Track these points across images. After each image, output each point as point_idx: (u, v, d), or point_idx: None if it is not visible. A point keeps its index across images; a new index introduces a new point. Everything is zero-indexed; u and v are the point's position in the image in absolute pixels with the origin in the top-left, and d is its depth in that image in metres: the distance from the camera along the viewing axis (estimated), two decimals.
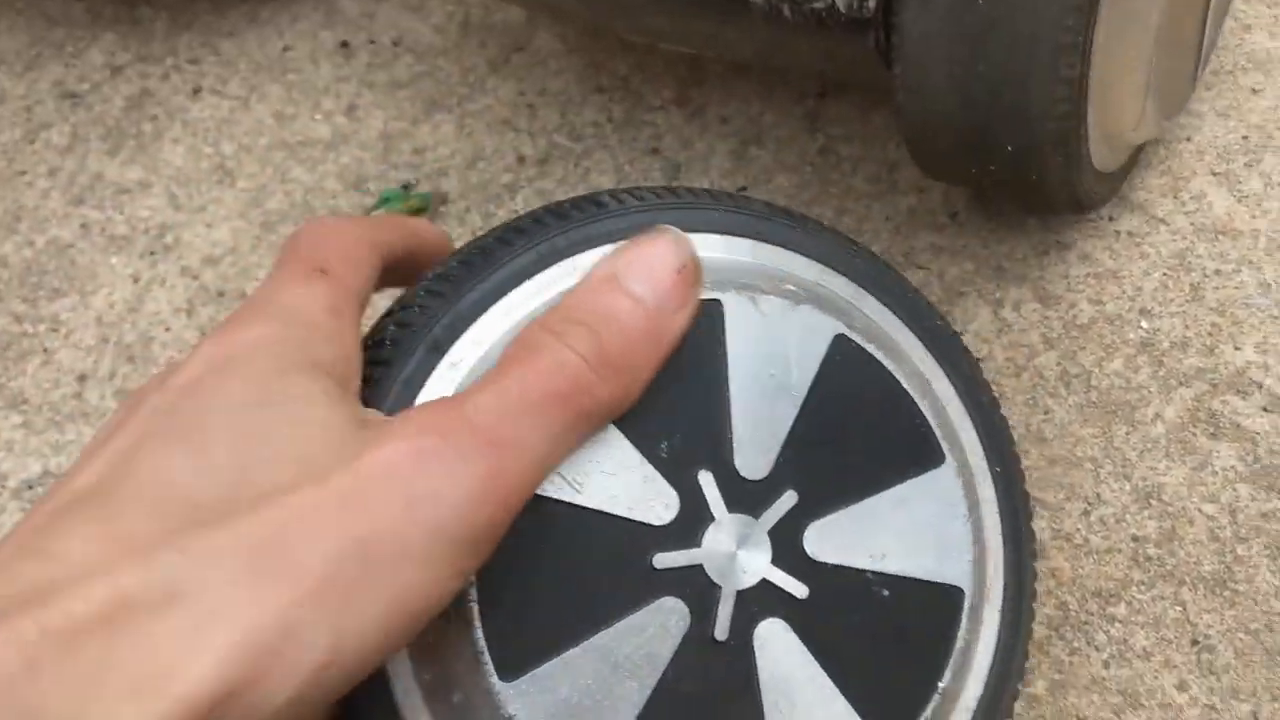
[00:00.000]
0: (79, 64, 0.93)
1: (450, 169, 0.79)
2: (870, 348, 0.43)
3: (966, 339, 0.63)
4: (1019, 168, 0.56)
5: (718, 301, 0.41)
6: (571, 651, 0.37)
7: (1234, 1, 0.72)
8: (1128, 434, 0.58)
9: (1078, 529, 0.56)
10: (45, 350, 0.76)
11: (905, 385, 0.44)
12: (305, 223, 0.41)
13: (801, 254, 0.46)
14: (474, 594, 0.37)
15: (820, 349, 0.42)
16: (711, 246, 0.45)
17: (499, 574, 0.37)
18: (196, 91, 0.89)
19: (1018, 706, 0.51)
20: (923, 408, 0.44)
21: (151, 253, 0.80)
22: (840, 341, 0.43)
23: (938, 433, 0.44)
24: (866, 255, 0.48)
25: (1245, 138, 0.68)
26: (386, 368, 0.40)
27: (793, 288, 0.44)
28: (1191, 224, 0.65)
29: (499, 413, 0.33)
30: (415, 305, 0.41)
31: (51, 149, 0.88)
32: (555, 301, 0.42)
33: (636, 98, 0.80)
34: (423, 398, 0.40)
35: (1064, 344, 0.62)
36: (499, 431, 0.33)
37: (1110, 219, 0.66)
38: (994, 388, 0.58)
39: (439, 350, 0.40)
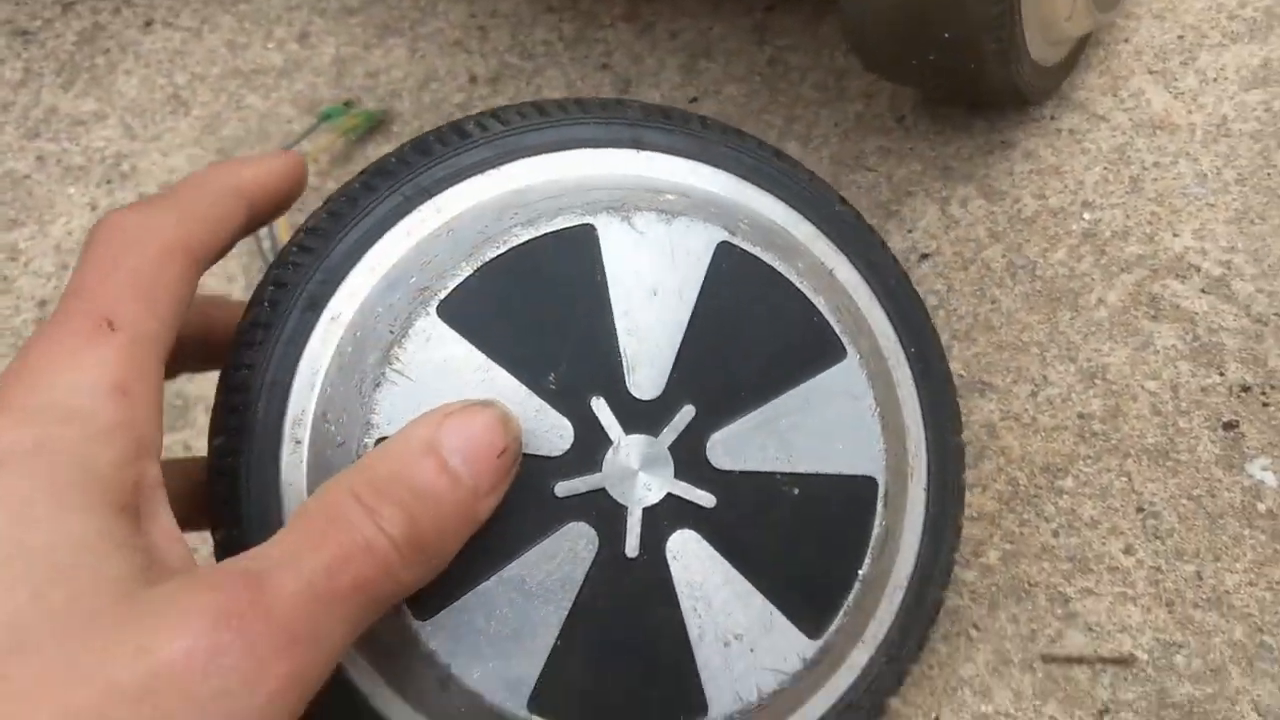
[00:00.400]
0: (30, 2, 0.92)
1: (403, 91, 0.80)
2: (756, 250, 0.43)
3: (915, 235, 0.65)
4: (957, 56, 0.57)
5: (590, 226, 0.41)
6: (484, 585, 0.38)
7: None
8: (1072, 319, 0.60)
9: (1025, 409, 0.58)
10: (4, 278, 0.76)
11: (798, 283, 0.43)
12: (98, 230, 0.35)
13: (682, 157, 0.46)
14: None
15: (703, 260, 0.42)
16: (584, 163, 0.44)
17: None
18: (148, 24, 0.89)
19: (971, 576, 0.53)
20: (819, 304, 0.43)
21: (108, 181, 0.80)
22: (724, 249, 0.42)
23: (837, 327, 0.44)
24: (753, 148, 0.48)
25: (1180, 37, 0.69)
26: (267, 330, 0.40)
27: (671, 197, 0.44)
28: (1130, 120, 0.67)
29: (302, 605, 0.30)
30: (289, 263, 0.41)
31: (4, 85, 0.87)
32: (425, 243, 0.41)
33: (587, 16, 0.81)
34: (306, 356, 0.40)
35: (1009, 237, 0.64)
36: (300, 627, 0.30)
37: (1052, 117, 0.68)
38: (942, 280, 0.60)
39: (316, 307, 0.40)
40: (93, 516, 0.29)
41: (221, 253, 0.38)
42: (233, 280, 0.72)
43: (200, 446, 0.64)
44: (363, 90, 0.80)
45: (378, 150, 0.77)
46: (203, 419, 0.67)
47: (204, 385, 0.68)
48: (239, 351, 0.40)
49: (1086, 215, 0.63)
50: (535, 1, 0.82)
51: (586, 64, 0.78)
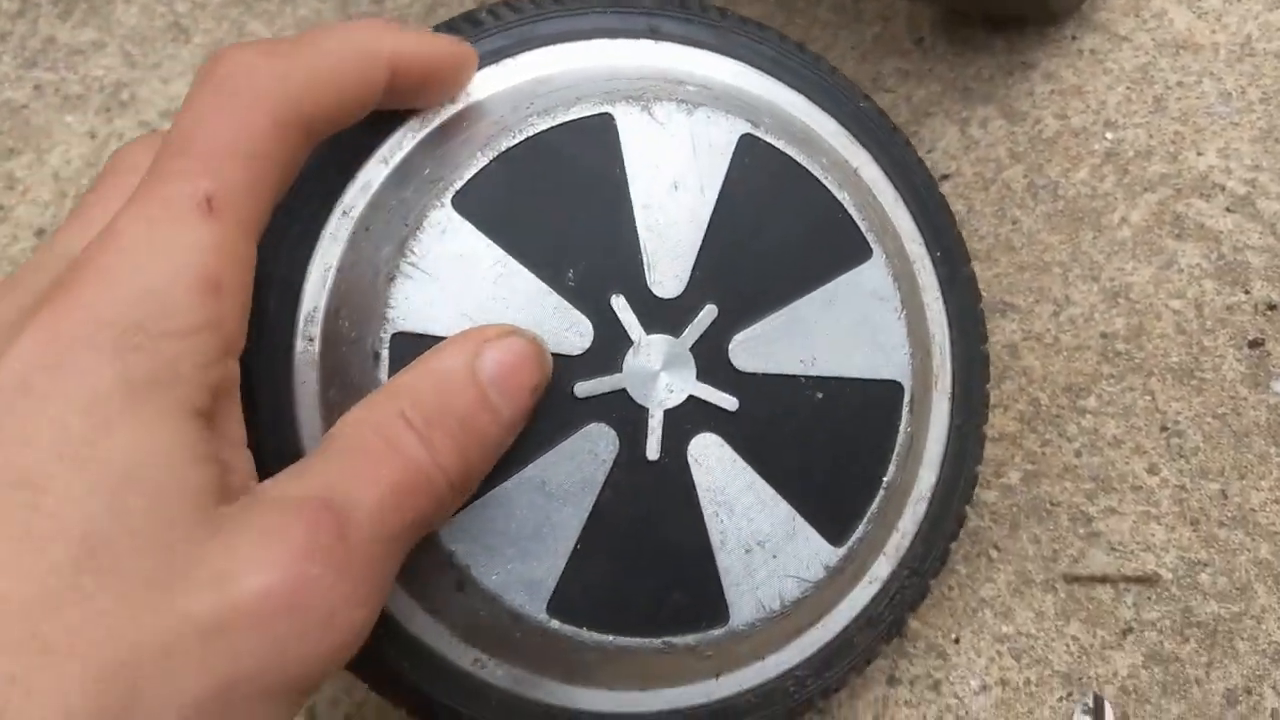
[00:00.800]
0: None
1: (410, 16, 0.78)
2: (780, 143, 0.42)
3: (935, 156, 0.63)
4: None
5: (609, 115, 0.40)
6: (503, 485, 0.38)
7: None
8: (1094, 239, 0.59)
9: (1048, 329, 0.57)
10: (2, 207, 0.75)
11: (823, 179, 0.42)
12: (217, 67, 0.31)
13: (703, 48, 0.44)
14: None
15: (725, 153, 0.41)
16: (600, 53, 0.43)
17: None
18: None
19: (992, 497, 0.52)
20: (843, 200, 0.42)
21: (107, 109, 0.78)
22: (747, 141, 0.41)
23: (862, 225, 0.42)
24: (774, 41, 0.46)
25: None
26: (280, 224, 0.39)
27: (692, 88, 0.42)
28: (1153, 40, 0.65)
29: (379, 544, 0.29)
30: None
31: (1, 15, 0.86)
32: (438, 134, 0.40)
33: None
34: (318, 252, 0.39)
35: (1030, 157, 0.62)
36: (376, 568, 0.29)
37: (1073, 38, 0.66)
38: (963, 201, 0.59)
39: (330, 199, 0.39)
40: (170, 421, 0.27)
41: (339, 128, 0.34)
42: None
43: None
44: (369, 16, 0.78)
45: None
46: None
47: None
48: None
49: (1109, 135, 0.62)
50: None
51: None
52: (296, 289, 0.39)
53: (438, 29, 0.42)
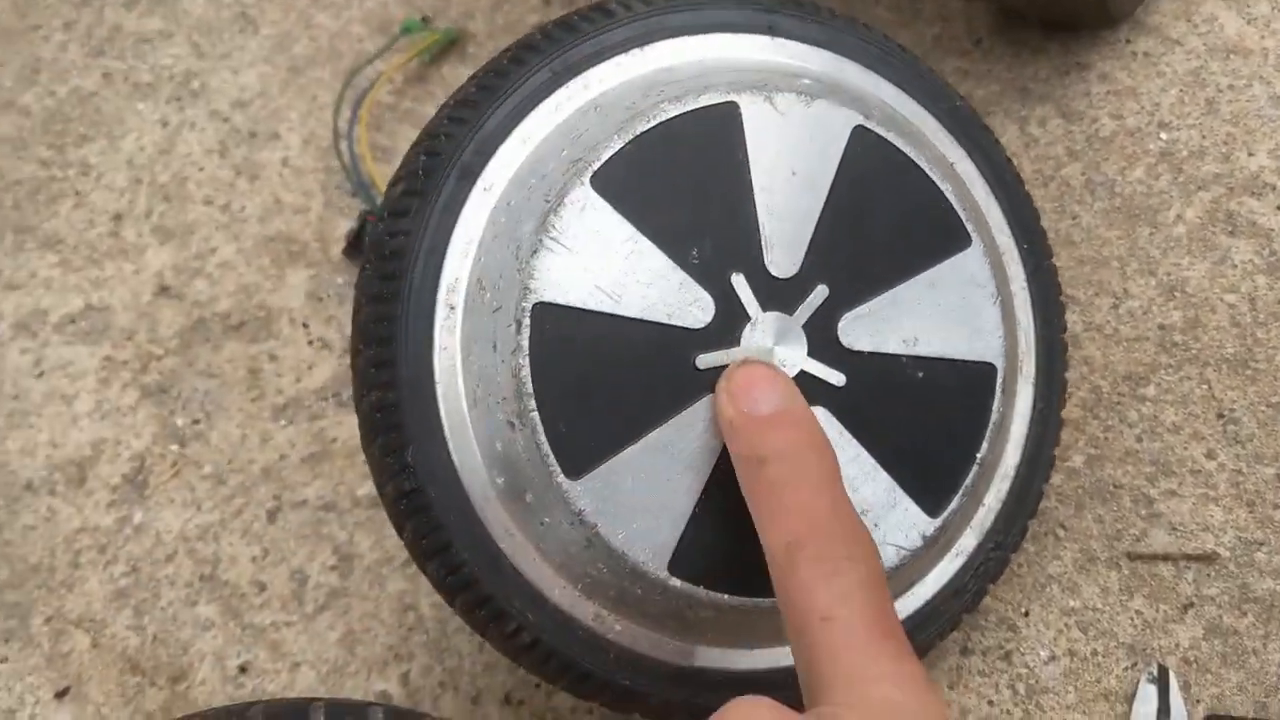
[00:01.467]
0: None
1: (476, 11, 0.80)
2: (890, 136, 0.44)
3: None
4: None
5: (734, 104, 0.42)
6: (630, 449, 0.40)
7: None
8: (1151, 235, 0.62)
9: (1107, 321, 0.59)
10: (77, 193, 0.77)
11: (928, 170, 0.45)
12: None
13: (815, 45, 0.47)
14: (533, 404, 0.39)
15: (840, 142, 0.43)
16: (723, 46, 0.46)
17: (555, 385, 0.40)
18: None
19: (1058, 479, 0.55)
20: (946, 191, 0.45)
21: (178, 98, 0.80)
22: (860, 133, 0.44)
23: (962, 215, 0.45)
24: (879, 41, 0.49)
25: None
26: (423, 198, 0.42)
27: (808, 82, 0.45)
28: (1205, 44, 0.68)
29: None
30: (440, 134, 0.42)
31: (66, 3, 0.88)
32: (574, 118, 0.42)
33: None
34: (461, 224, 0.42)
35: (1088, 155, 0.65)
36: None
37: (1127, 41, 0.69)
38: None
39: (470, 176, 0.42)
40: None
41: None
42: (311, 196, 0.73)
43: (285, 355, 0.65)
44: (435, 10, 0.81)
45: (453, 72, 0.77)
46: (288, 329, 0.68)
47: (287, 297, 0.69)
48: (391, 220, 0.42)
49: (1163, 135, 0.65)
50: None
51: None
52: (439, 260, 0.41)
53: (574, 15, 0.44)
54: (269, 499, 0.63)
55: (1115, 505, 0.55)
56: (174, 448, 0.65)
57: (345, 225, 0.72)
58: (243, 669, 0.58)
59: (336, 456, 0.64)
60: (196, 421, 0.66)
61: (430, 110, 0.76)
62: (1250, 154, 0.63)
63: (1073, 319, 0.60)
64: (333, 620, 0.58)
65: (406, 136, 0.75)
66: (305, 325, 0.68)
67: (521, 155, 0.42)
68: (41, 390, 0.68)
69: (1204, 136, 0.64)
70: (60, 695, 0.58)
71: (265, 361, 0.67)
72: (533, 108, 0.43)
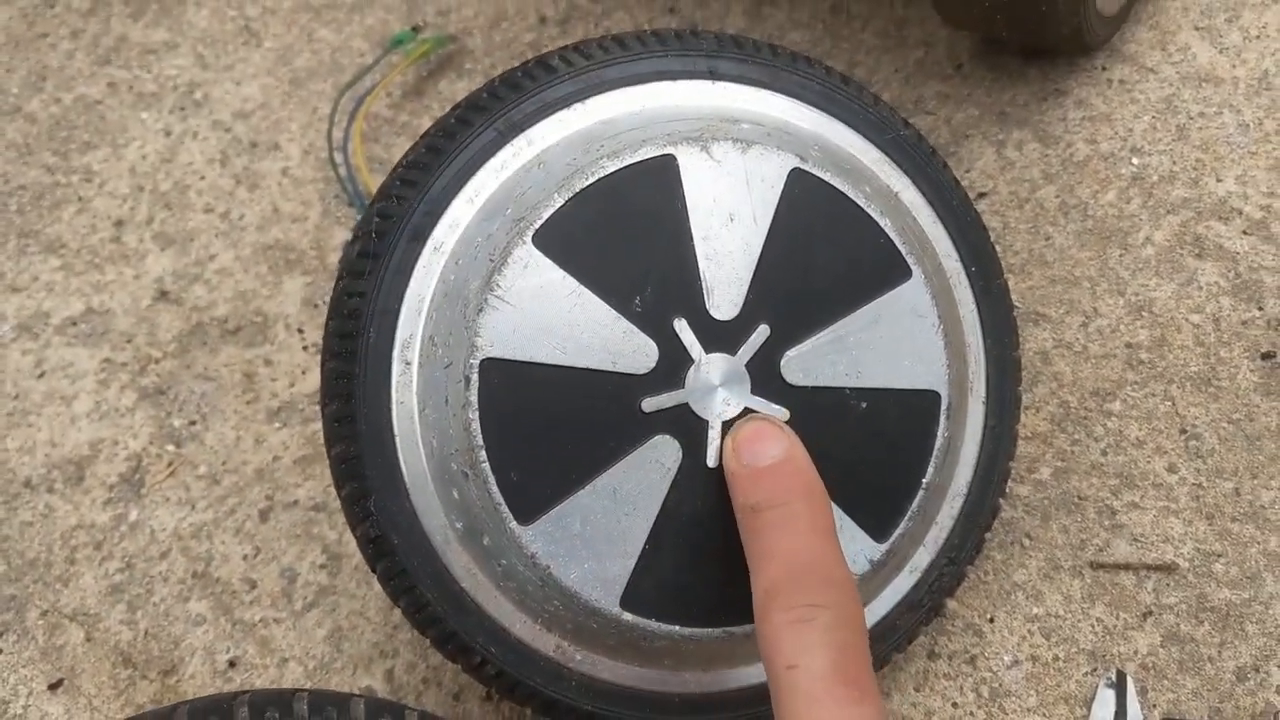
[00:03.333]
0: None
1: (475, 29, 0.82)
2: (827, 175, 0.46)
3: (973, 175, 0.68)
4: (1028, 6, 0.60)
5: (672, 156, 0.44)
6: (579, 493, 0.42)
7: None
8: (1121, 256, 0.64)
9: (1077, 338, 0.61)
10: (80, 199, 0.79)
11: (866, 207, 0.46)
12: None
13: (757, 86, 0.49)
14: (484, 455, 0.42)
15: (777, 185, 0.45)
16: (663, 94, 0.47)
17: (505, 436, 0.42)
18: None
19: (1025, 490, 0.57)
20: (885, 226, 0.46)
21: (181, 108, 0.82)
22: (796, 175, 0.45)
23: (902, 248, 0.46)
24: (822, 76, 0.50)
25: None
26: (375, 260, 0.44)
27: (746, 126, 0.47)
28: (1178, 73, 0.70)
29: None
30: (392, 195, 0.44)
31: (73, 12, 0.90)
32: (519, 176, 0.44)
33: None
34: (413, 284, 0.44)
35: (1062, 179, 0.67)
36: None
37: (1103, 68, 0.71)
38: (999, 218, 0.64)
39: (420, 238, 0.44)
40: None
41: None
42: (309, 206, 0.75)
43: (280, 360, 0.67)
44: (434, 28, 0.83)
45: (450, 85, 0.79)
46: (283, 335, 0.70)
47: (283, 304, 0.71)
48: (348, 281, 0.44)
49: (1135, 160, 0.67)
50: None
51: (653, 6, 0.81)
52: (393, 318, 0.44)
53: (518, 72, 0.46)
54: (261, 499, 0.64)
55: (1080, 516, 0.57)
56: (170, 448, 0.67)
57: (342, 235, 0.74)
58: (232, 664, 0.59)
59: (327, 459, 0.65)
60: (193, 423, 0.67)
61: (427, 123, 0.78)
62: (1218, 179, 0.65)
63: (1043, 336, 0.62)
64: (320, 617, 0.60)
65: (403, 148, 0.77)
66: (300, 331, 0.70)
67: (469, 215, 0.44)
68: (42, 390, 0.70)
69: (1174, 162, 0.66)
70: (54, 687, 0.60)
71: (260, 366, 0.69)
72: (479, 167, 0.44)
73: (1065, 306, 0.62)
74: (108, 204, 0.78)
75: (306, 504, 0.64)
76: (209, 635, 0.60)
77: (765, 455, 0.41)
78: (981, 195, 0.67)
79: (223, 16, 0.87)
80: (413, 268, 0.44)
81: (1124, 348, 0.61)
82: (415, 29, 0.80)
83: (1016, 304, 0.63)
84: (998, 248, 0.64)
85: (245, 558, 0.63)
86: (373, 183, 0.74)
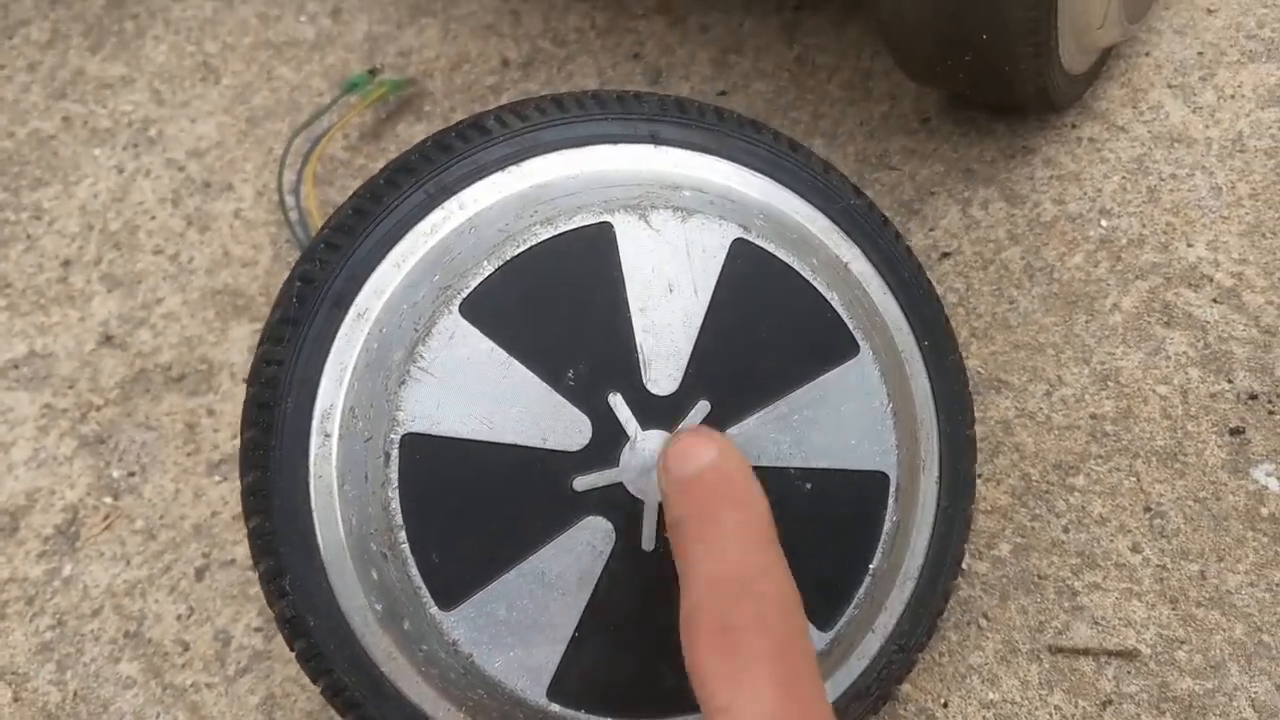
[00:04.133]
0: None
1: (435, 71, 0.81)
2: (771, 246, 0.44)
3: (936, 234, 0.66)
4: (993, 59, 0.59)
5: (609, 224, 0.42)
6: (505, 577, 0.40)
7: None
8: (1087, 322, 0.62)
9: (1040, 408, 0.60)
10: (28, 236, 0.77)
11: (812, 280, 0.44)
12: None
13: (699, 152, 0.47)
14: (404, 535, 0.39)
15: (718, 257, 0.43)
16: (601, 159, 0.45)
17: (427, 516, 0.40)
18: None
19: (983, 568, 0.55)
20: (832, 299, 0.44)
21: (135, 145, 0.80)
22: (739, 246, 0.43)
23: (850, 323, 0.44)
24: (769, 140, 0.48)
25: (1200, 54, 0.71)
26: (295, 326, 0.42)
27: (688, 193, 0.45)
28: (1149, 132, 0.68)
29: None
30: (316, 259, 0.42)
31: (31, 44, 0.88)
32: (448, 241, 0.42)
33: (619, 6, 0.82)
34: (334, 352, 0.41)
35: (1028, 240, 0.65)
36: None
37: (1073, 126, 0.69)
38: (962, 279, 0.62)
39: (342, 304, 0.42)
40: None
41: None
42: (260, 250, 0.73)
43: (223, 410, 0.65)
44: (394, 69, 0.81)
45: (408, 129, 0.78)
46: (228, 384, 0.68)
47: (229, 351, 0.69)
48: (268, 347, 0.42)
49: (1104, 222, 0.65)
50: None
51: (618, 53, 0.79)
52: (313, 388, 0.41)
53: (450, 132, 0.44)
54: (198, 556, 0.62)
55: (1039, 596, 0.55)
56: (107, 500, 0.65)
57: None
58: None
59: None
60: (132, 474, 0.65)
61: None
62: (1189, 244, 0.63)
63: (1006, 404, 0.60)
64: (254, 684, 0.58)
65: None
66: (245, 380, 0.68)
67: (395, 279, 0.42)
68: None
69: (1144, 225, 0.65)
70: None
71: (203, 416, 0.67)
72: (407, 231, 0.42)
73: (1029, 374, 0.61)
74: (56, 243, 0.76)
75: (244, 563, 0.62)
76: (139, 699, 0.58)
77: (690, 465, 0.37)
78: (945, 255, 0.65)
79: (181, 52, 0.85)
80: (334, 335, 0.42)
81: (1088, 419, 0.59)
82: (372, 71, 0.78)
83: (978, 370, 0.61)
84: (960, 310, 0.62)
85: (179, 618, 0.60)
86: None
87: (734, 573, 0.35)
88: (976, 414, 0.57)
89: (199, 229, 0.75)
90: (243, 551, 0.62)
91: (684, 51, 0.78)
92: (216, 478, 0.65)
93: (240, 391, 0.67)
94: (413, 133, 0.78)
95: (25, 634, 0.61)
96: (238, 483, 0.64)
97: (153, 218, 0.76)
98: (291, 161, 0.75)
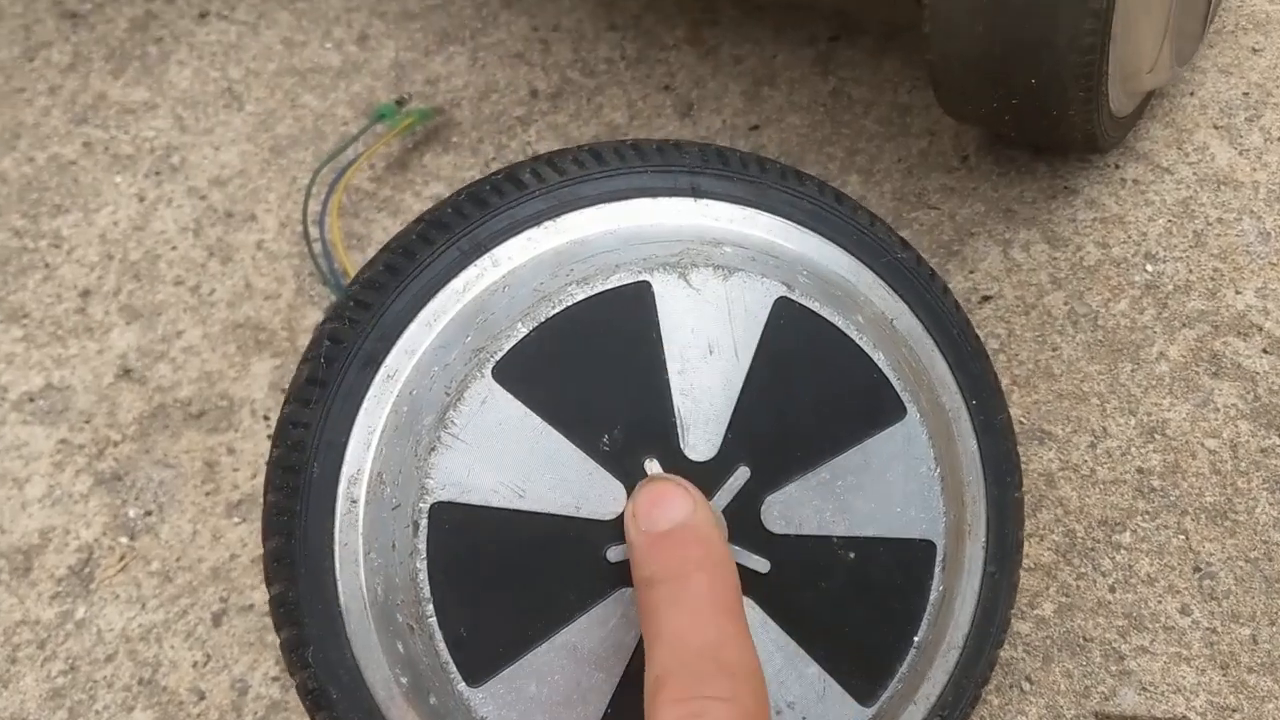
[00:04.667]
0: None
1: (463, 100, 0.79)
2: (815, 304, 0.42)
3: (977, 277, 0.65)
4: (1041, 102, 0.57)
5: (647, 284, 0.40)
6: (536, 651, 0.38)
7: None
8: (1133, 371, 0.60)
9: (1084, 460, 0.58)
10: (47, 265, 0.76)
11: (857, 339, 0.42)
12: None
13: (741, 204, 0.45)
14: (431, 608, 0.38)
15: (760, 316, 0.41)
16: (641, 213, 0.43)
17: (456, 588, 0.38)
18: (203, 15, 0.88)
19: (1026, 628, 0.53)
20: (878, 360, 0.43)
21: (157, 172, 0.79)
22: (782, 305, 0.42)
23: (897, 384, 0.43)
24: (814, 192, 0.47)
25: (1246, 94, 0.70)
26: (323, 388, 0.40)
27: (729, 249, 0.43)
28: (1195, 174, 0.67)
29: None
30: (346, 318, 0.40)
31: (52, 67, 0.87)
32: (481, 300, 0.40)
33: (649, 36, 0.81)
34: (362, 415, 0.40)
35: (1071, 284, 0.63)
36: None
37: (1116, 167, 0.68)
38: (1004, 325, 0.60)
39: (372, 365, 0.40)
40: None
41: None
42: (283, 282, 0.72)
43: (243, 449, 0.64)
44: (421, 97, 0.80)
45: (435, 159, 0.76)
46: (248, 421, 0.67)
47: (250, 387, 0.68)
48: (294, 408, 0.40)
49: (1149, 267, 0.63)
50: (598, 18, 0.82)
51: (649, 84, 0.78)
52: (340, 451, 0.40)
53: (485, 186, 0.42)
54: (215, 601, 0.61)
55: (1084, 659, 0.53)
56: (123, 540, 0.63)
57: (315, 315, 0.70)
58: None
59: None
60: (149, 513, 0.64)
61: (409, 199, 0.75)
62: (1237, 292, 0.62)
63: (1049, 457, 0.58)
64: None
65: (383, 225, 0.74)
66: (266, 418, 0.67)
67: (426, 340, 0.40)
68: None
69: (1190, 270, 0.63)
70: None
71: (223, 454, 0.66)
72: (439, 289, 0.41)
73: (1073, 424, 0.59)
74: (75, 272, 0.75)
75: (262, 609, 0.60)
76: None
77: (664, 519, 0.36)
78: (986, 299, 0.63)
79: (205, 78, 0.84)
80: (363, 396, 0.40)
81: (1135, 473, 0.57)
82: (400, 101, 0.77)
83: (1020, 419, 0.59)
84: (1002, 357, 0.60)
85: (195, 665, 0.59)
86: (349, 261, 0.71)
87: (704, 641, 0.34)
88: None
89: (221, 260, 0.74)
90: (261, 596, 0.60)
91: (716, 84, 0.77)
92: (235, 519, 0.63)
93: (261, 429, 0.66)
94: (439, 164, 0.76)
95: (36, 679, 0.59)
96: (257, 523, 0.63)
97: (174, 248, 0.75)
98: (316, 192, 0.74)
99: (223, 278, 0.73)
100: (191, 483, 0.64)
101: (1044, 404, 0.60)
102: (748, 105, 0.76)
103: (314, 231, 0.72)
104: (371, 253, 0.43)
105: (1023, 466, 0.57)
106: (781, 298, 0.42)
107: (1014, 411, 0.59)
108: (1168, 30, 0.58)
